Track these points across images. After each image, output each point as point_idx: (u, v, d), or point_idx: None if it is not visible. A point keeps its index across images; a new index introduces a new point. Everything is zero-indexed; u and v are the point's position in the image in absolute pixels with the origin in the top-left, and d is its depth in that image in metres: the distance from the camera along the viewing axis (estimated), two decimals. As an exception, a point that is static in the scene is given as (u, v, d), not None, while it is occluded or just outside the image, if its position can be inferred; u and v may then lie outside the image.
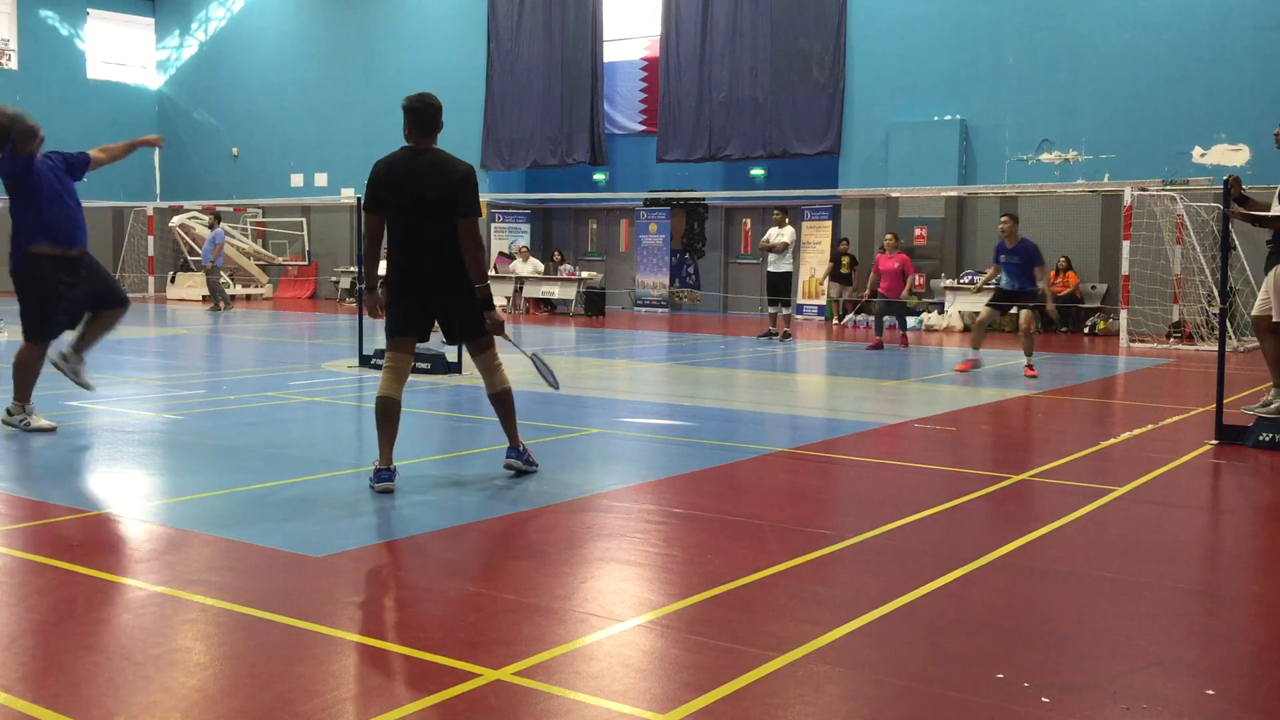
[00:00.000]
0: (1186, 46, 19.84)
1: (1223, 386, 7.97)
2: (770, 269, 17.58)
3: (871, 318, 17.27)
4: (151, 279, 29.28)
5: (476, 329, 6.16)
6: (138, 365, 12.70)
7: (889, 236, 16.65)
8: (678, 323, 22.43)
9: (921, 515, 5.59)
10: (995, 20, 21.57)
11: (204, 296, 23.18)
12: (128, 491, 6.05)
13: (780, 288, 17.56)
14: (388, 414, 5.93)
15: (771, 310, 17.82)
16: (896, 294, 15.79)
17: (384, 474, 5.87)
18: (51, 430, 7.47)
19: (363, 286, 7.10)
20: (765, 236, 17.56)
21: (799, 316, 23.44)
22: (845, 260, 21.48)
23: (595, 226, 28.63)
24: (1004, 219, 12.81)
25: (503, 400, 6.28)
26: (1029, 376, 12.10)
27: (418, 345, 6.29)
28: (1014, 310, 13.31)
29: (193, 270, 27.49)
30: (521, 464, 6.37)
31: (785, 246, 17.21)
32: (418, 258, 5.99)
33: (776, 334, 17.54)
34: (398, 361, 6.05)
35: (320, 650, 3.60)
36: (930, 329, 20.73)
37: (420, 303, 6.06)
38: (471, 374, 11.33)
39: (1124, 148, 20.41)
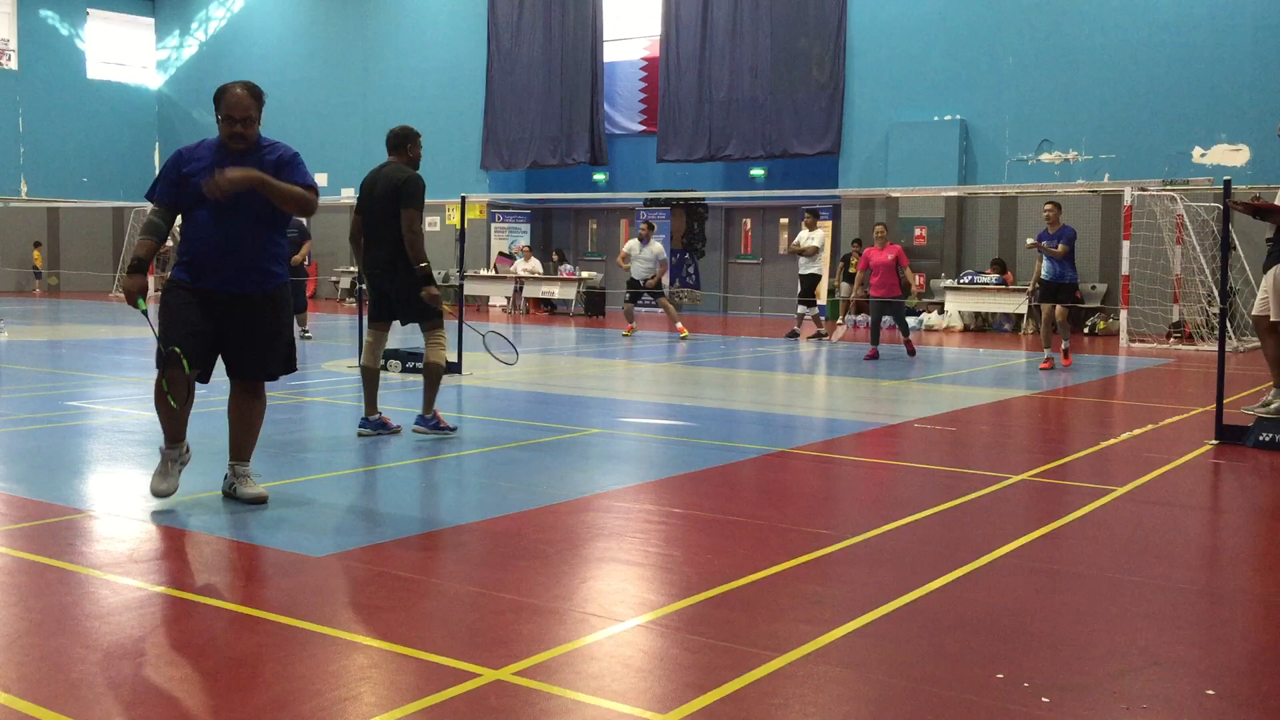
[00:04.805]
0: (1186, 46, 19.83)
1: (1223, 386, 7.97)
2: (801, 272, 17.74)
3: (867, 317, 16.30)
4: (151, 279, 29.26)
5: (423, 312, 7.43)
6: (138, 365, 12.70)
7: (879, 227, 15.16)
8: (678, 323, 22.39)
9: (921, 515, 5.59)
10: (995, 21, 21.57)
11: None
12: (128, 491, 6.05)
13: (809, 290, 17.67)
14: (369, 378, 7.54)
15: (800, 311, 17.98)
16: (893, 290, 14.39)
17: (365, 422, 7.51)
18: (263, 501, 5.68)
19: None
20: (795, 240, 17.65)
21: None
22: (854, 260, 21.47)
23: (595, 226, 28.63)
24: None
25: (431, 372, 7.46)
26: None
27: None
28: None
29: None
30: (427, 429, 7.45)
31: (815, 250, 17.32)
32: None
33: (799, 334, 17.86)
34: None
35: (320, 650, 3.60)
36: (930, 329, 20.74)
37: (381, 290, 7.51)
38: (471, 374, 11.34)
39: (1124, 148, 20.40)
